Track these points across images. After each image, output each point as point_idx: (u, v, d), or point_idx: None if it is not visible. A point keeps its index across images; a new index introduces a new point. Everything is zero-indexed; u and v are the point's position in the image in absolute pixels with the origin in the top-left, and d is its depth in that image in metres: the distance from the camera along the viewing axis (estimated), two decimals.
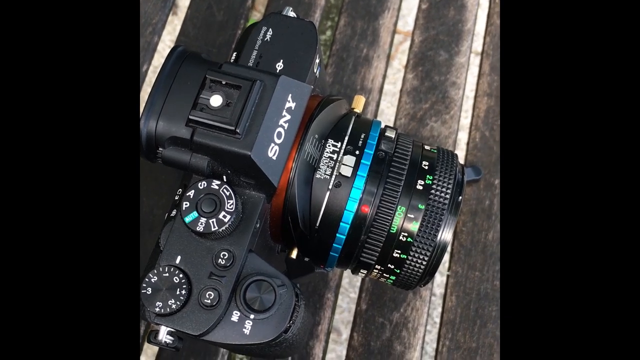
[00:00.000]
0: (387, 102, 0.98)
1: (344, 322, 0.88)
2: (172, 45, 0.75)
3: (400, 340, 0.63)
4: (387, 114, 0.98)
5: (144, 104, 0.45)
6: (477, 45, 0.80)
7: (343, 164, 0.47)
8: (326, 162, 0.47)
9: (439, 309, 0.67)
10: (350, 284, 0.87)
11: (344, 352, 0.85)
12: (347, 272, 0.60)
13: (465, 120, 0.76)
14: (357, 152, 0.47)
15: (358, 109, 0.52)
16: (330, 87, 0.73)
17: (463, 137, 0.75)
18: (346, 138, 0.47)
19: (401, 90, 0.74)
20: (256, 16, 1.06)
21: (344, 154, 0.47)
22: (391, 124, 0.74)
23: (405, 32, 1.05)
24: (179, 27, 0.75)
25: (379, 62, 0.75)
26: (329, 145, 0.47)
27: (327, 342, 0.63)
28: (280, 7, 0.77)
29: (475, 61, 0.77)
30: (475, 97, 0.74)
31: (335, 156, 0.47)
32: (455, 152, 0.72)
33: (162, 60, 0.96)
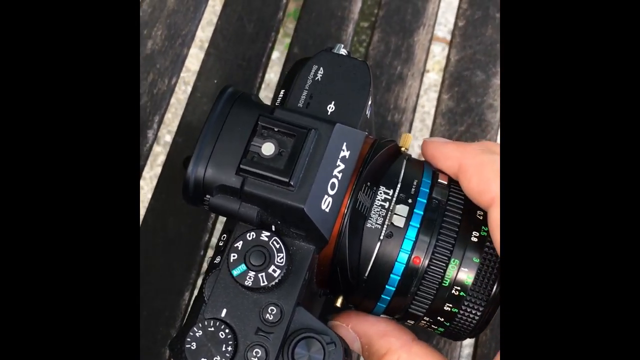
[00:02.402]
0: (417, 118, 0.96)
1: None
2: (201, 57, 0.73)
3: None
4: (418, 129, 0.95)
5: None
6: None
7: (395, 214, 0.45)
8: (377, 211, 0.45)
9: (472, 342, 0.66)
10: None
11: None
12: None
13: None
14: (410, 201, 0.45)
15: (406, 148, 0.50)
16: None
17: None
18: (398, 185, 0.45)
19: (436, 112, 0.72)
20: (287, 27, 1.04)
21: (396, 202, 0.45)
22: None
23: (443, 39, 1.02)
24: (208, 40, 0.73)
25: (413, 81, 0.72)
26: (381, 193, 0.45)
27: None
28: (312, 22, 0.75)
29: None
30: None
31: (387, 205, 0.45)
32: None
33: (191, 67, 0.94)
